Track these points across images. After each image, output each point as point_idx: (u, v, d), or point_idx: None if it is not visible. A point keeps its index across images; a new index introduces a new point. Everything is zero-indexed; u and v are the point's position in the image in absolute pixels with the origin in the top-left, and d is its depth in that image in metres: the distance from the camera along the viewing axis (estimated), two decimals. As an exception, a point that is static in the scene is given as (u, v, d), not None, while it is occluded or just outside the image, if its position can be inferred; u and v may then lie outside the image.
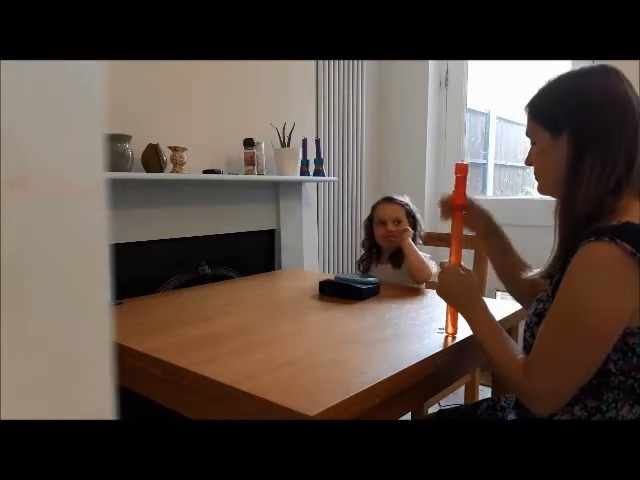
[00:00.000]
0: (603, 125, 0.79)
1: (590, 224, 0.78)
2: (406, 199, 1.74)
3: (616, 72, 0.82)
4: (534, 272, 0.91)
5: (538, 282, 0.96)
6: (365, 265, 1.74)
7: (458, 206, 1.03)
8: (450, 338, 1.06)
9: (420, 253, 1.63)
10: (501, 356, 0.86)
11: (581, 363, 0.76)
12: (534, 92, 0.91)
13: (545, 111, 0.87)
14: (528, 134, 0.92)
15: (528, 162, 0.93)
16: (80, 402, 0.32)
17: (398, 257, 1.67)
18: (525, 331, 0.89)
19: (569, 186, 0.82)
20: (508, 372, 0.84)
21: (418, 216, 1.72)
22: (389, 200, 1.71)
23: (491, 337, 0.90)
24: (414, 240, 1.66)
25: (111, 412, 0.33)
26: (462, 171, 1.03)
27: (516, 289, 1.11)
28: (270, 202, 2.17)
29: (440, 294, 1.03)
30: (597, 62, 0.83)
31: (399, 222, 1.67)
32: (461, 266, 1.02)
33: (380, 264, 1.72)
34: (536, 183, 0.93)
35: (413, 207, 1.73)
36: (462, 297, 0.98)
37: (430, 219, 2.86)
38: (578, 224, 0.80)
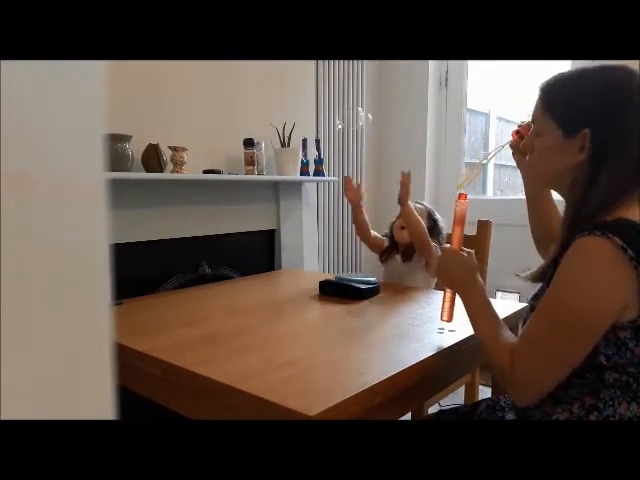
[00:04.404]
0: (626, 130, 0.77)
1: (590, 221, 0.78)
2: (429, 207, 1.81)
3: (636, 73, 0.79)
4: (527, 273, 0.91)
5: None
6: (384, 258, 1.81)
7: (461, 196, 1.03)
8: (450, 338, 1.06)
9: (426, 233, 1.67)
10: (491, 338, 0.86)
11: (565, 353, 0.76)
12: (551, 77, 0.85)
13: (562, 108, 0.83)
14: (534, 121, 0.88)
15: (527, 149, 0.91)
16: (80, 402, 0.32)
17: (408, 251, 1.73)
18: (522, 327, 0.90)
19: (585, 188, 0.80)
20: (495, 356, 0.84)
21: (440, 223, 1.76)
22: (416, 202, 1.79)
23: (483, 318, 0.89)
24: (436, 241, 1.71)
25: (111, 412, 0.33)
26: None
27: (538, 224, 1.11)
28: (270, 202, 2.17)
29: (439, 275, 1.02)
30: (597, 62, 0.82)
31: None
32: (462, 249, 1.00)
33: (392, 258, 1.79)
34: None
35: (438, 216, 1.78)
36: (460, 276, 0.97)
37: (430, 219, 2.85)
38: (581, 222, 0.79)
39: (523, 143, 0.93)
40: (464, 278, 0.96)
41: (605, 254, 0.72)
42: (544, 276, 0.86)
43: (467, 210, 1.04)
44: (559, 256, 0.80)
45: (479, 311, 0.91)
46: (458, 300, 1.00)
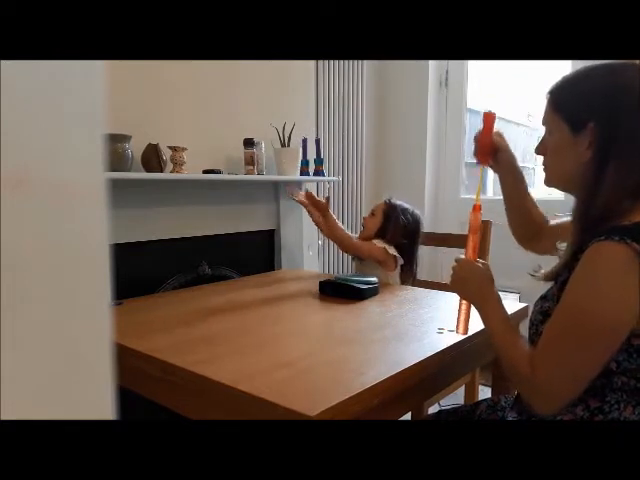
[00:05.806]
0: (631, 129, 0.77)
1: (603, 224, 0.77)
2: (407, 206, 1.76)
3: None
4: (540, 273, 0.90)
5: (549, 228, 1.02)
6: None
7: (476, 207, 1.01)
8: (449, 338, 1.05)
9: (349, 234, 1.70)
10: (511, 349, 0.84)
11: (585, 361, 0.75)
12: (559, 79, 0.87)
13: (569, 105, 0.84)
14: (545, 123, 0.89)
15: (540, 152, 0.91)
16: (80, 402, 0.32)
17: None
18: (529, 328, 0.89)
19: (590, 187, 0.80)
20: (516, 366, 0.82)
21: (398, 222, 1.71)
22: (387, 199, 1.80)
23: (502, 331, 0.88)
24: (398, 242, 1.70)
25: (111, 412, 0.33)
26: (488, 121, 1.03)
27: (519, 220, 1.13)
28: (270, 202, 2.17)
29: (453, 286, 0.99)
30: (599, 62, 0.82)
31: (372, 215, 1.77)
32: (477, 260, 0.99)
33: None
34: (543, 174, 0.91)
35: (405, 216, 1.72)
36: (477, 289, 0.95)
37: (430, 219, 2.86)
38: (592, 224, 0.79)
39: (538, 146, 0.92)
40: (481, 291, 0.94)
41: (623, 260, 0.71)
42: (557, 276, 0.85)
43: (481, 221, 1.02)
44: (572, 258, 0.79)
45: (497, 324, 0.90)
46: (473, 312, 0.98)
